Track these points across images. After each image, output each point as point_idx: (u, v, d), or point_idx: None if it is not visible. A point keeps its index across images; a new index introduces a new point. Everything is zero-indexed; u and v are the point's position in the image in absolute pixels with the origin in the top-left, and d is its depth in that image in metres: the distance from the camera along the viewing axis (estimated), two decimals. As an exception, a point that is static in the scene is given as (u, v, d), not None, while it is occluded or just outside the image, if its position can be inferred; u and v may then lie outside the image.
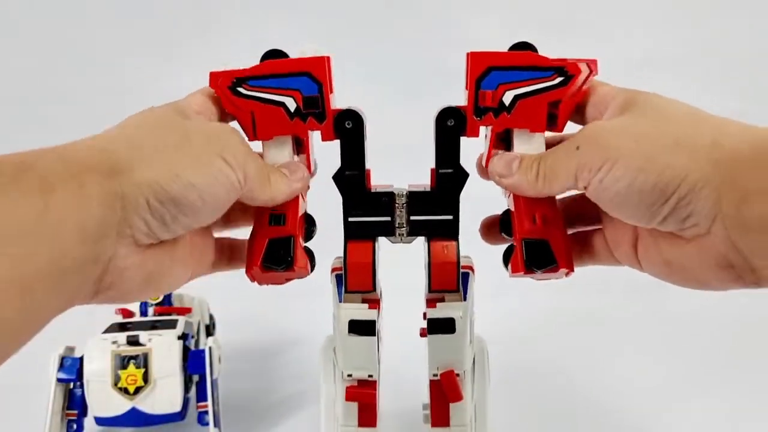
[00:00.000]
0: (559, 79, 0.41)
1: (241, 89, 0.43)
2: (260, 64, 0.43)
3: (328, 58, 0.44)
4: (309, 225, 0.46)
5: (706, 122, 0.38)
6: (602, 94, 0.41)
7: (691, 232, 0.37)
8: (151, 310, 0.59)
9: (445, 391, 0.44)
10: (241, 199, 0.39)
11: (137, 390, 0.49)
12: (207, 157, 0.36)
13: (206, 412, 0.52)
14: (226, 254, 0.46)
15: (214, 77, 0.43)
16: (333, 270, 0.46)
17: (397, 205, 0.45)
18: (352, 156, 0.44)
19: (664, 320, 0.81)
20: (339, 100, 0.45)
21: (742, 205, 0.33)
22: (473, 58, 0.42)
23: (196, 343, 0.59)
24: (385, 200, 0.45)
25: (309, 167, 0.45)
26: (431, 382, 0.45)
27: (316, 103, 0.43)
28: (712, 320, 0.78)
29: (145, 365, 0.49)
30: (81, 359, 0.52)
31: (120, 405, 0.48)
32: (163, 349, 0.51)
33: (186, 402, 0.53)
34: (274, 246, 0.43)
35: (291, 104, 0.43)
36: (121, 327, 0.56)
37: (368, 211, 0.45)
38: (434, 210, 0.44)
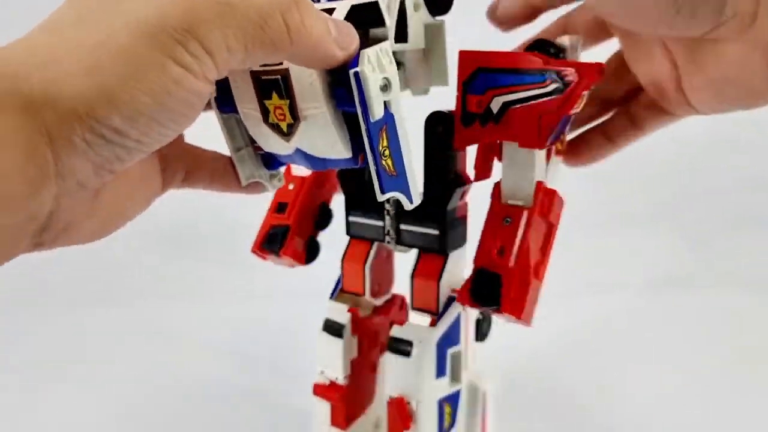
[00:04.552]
0: (553, 86, 0.33)
1: None
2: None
3: None
4: (321, 216, 0.47)
5: None
6: None
7: (732, 27, 0.32)
8: None
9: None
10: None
11: (290, 129, 0.33)
12: (153, 61, 0.24)
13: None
14: (180, 168, 0.35)
15: None
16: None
17: (386, 210, 0.42)
18: None
19: (681, 321, 0.75)
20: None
21: None
22: (462, 57, 0.36)
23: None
24: (381, 204, 0.42)
25: None
26: (387, 402, 0.41)
27: None
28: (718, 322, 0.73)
29: (288, 94, 0.32)
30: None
31: (282, 146, 0.34)
32: (301, 69, 0.31)
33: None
34: (272, 232, 0.45)
35: None
36: None
37: (364, 212, 0.43)
38: (422, 221, 0.41)
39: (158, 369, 0.67)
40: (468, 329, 0.43)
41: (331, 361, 0.44)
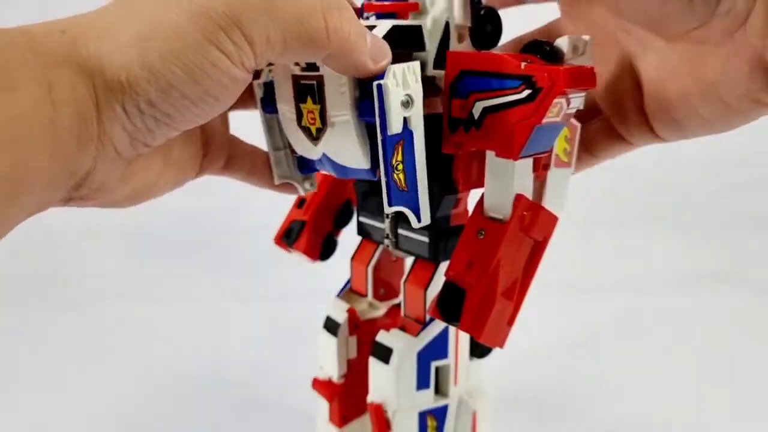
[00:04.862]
0: (526, 93, 0.32)
1: None
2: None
3: None
4: (341, 214, 0.47)
5: None
6: None
7: (722, 25, 0.31)
8: None
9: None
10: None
11: (318, 133, 0.35)
12: (194, 42, 0.25)
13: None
14: (221, 155, 0.38)
15: None
16: None
17: (386, 213, 0.41)
18: None
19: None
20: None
21: None
22: (449, 58, 0.35)
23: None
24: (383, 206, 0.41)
25: None
26: (368, 406, 0.41)
27: None
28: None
29: (321, 100, 0.34)
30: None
31: (311, 149, 0.36)
32: (334, 78, 0.33)
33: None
34: (290, 226, 0.47)
35: None
36: None
37: (371, 213, 0.43)
38: (415, 228, 0.40)
39: (152, 369, 0.68)
40: (460, 344, 0.42)
41: (327, 358, 0.45)
